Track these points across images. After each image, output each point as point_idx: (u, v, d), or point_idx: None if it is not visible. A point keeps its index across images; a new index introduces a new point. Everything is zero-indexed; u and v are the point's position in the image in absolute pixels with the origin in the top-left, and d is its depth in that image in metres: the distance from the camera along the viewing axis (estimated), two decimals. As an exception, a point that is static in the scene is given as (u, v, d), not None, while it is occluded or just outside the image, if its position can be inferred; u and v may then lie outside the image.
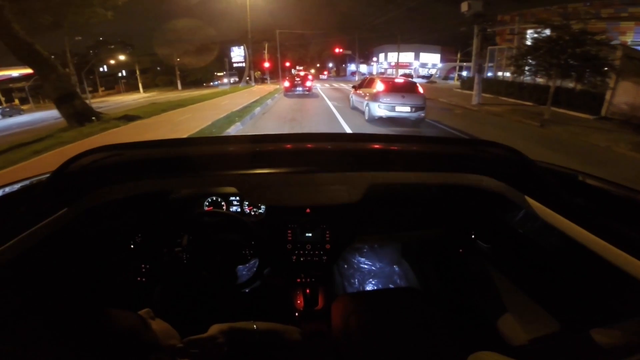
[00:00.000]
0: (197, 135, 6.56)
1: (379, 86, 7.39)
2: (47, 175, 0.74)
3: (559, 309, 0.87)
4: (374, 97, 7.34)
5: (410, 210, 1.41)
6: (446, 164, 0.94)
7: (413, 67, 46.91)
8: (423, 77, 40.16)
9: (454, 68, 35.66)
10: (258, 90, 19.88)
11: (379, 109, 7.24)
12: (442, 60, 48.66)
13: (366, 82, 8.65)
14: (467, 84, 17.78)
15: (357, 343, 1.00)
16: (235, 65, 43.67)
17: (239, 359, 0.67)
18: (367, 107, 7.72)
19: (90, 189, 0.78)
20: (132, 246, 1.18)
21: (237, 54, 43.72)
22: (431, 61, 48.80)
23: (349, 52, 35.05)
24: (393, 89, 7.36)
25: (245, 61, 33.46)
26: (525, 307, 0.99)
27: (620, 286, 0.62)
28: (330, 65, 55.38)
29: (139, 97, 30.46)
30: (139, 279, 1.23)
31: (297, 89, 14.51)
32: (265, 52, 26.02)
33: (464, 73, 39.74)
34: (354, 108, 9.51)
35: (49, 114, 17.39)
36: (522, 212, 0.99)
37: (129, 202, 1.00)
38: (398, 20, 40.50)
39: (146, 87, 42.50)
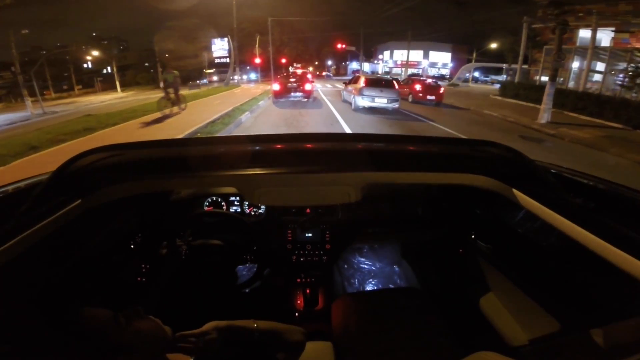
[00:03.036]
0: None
1: (362, 82, 9.20)
2: (46, 175, 0.75)
3: (558, 309, 0.88)
4: (359, 91, 9.08)
5: (410, 210, 1.44)
6: (446, 164, 0.94)
7: (422, 67, 43.38)
8: (433, 77, 36.58)
9: (471, 70, 31.76)
10: (242, 93, 15.99)
11: (362, 100, 9.03)
12: (453, 59, 45.25)
13: (354, 79, 10.42)
14: (510, 90, 14.07)
15: (357, 343, 1.02)
16: (217, 61, 37.45)
17: (235, 357, 0.67)
18: (353, 99, 9.55)
19: (90, 189, 0.78)
20: (132, 246, 1.18)
21: (220, 47, 36.94)
22: (441, 60, 45.36)
23: (352, 48, 31.03)
24: (373, 84, 9.16)
25: (229, 56, 28.24)
26: (525, 307, 0.99)
27: (620, 286, 0.61)
28: (330, 63, 51.61)
29: (111, 97, 26.67)
30: (139, 279, 1.22)
31: (292, 93, 10.55)
32: (257, 46, 21.85)
33: (476, 74, 36.45)
34: (345, 101, 11.05)
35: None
36: (521, 212, 0.99)
37: (129, 203, 0.99)
38: (407, 15, 37.05)
39: (127, 85, 38.88)
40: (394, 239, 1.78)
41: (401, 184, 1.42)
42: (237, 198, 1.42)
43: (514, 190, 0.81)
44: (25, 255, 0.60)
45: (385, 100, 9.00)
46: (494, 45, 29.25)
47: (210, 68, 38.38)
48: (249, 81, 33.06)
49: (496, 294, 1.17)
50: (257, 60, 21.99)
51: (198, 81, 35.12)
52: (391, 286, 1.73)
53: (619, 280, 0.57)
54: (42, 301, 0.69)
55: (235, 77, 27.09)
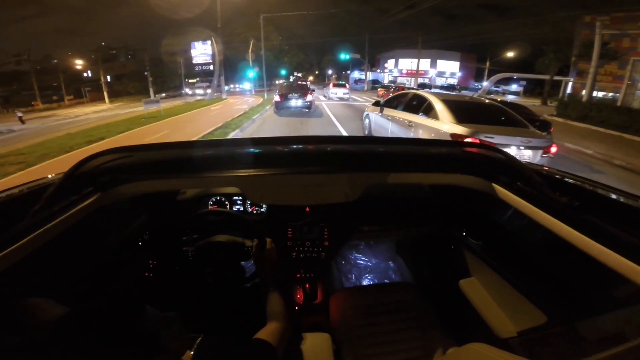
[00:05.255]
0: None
1: (331, 85, 18.54)
2: (59, 176, 0.79)
3: (545, 302, 0.90)
4: (328, 89, 17.88)
5: (404, 209, 1.47)
6: (439, 165, 0.98)
7: (429, 76, 40.81)
8: (442, 87, 34.43)
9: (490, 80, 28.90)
10: (219, 112, 12.45)
11: (330, 94, 17.33)
12: (461, 68, 42.79)
13: (329, 83, 21.30)
14: (575, 110, 10.42)
15: (353, 334, 1.06)
16: (198, 68, 31.33)
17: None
18: (326, 93, 18.20)
19: (100, 189, 0.82)
20: (140, 243, 1.22)
21: (201, 52, 30.61)
22: (449, 69, 42.64)
23: (357, 55, 28.46)
24: (336, 85, 18.05)
25: (213, 62, 22.72)
26: (514, 300, 1.01)
27: (603, 280, 0.64)
28: (330, 72, 49.19)
29: (93, 110, 24.01)
30: (146, 274, 1.26)
31: (293, 104, 10.36)
32: (250, 51, 18.80)
33: (485, 84, 33.81)
34: (324, 96, 18.31)
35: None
36: (510, 211, 1.00)
37: (139, 202, 1.05)
38: (412, 22, 34.72)
39: (119, 95, 36.61)
40: (389, 237, 1.76)
41: (396, 185, 1.46)
42: (240, 198, 1.45)
43: (503, 190, 0.86)
44: (35, 253, 0.62)
45: (342, 93, 17.11)
46: (510, 54, 26.67)
47: (194, 77, 33.53)
48: (242, 92, 28.50)
49: (486, 288, 1.18)
50: (250, 72, 18.88)
51: (188, 91, 31.12)
52: (386, 281, 1.76)
53: (602, 274, 0.60)
54: (61, 294, 0.70)
55: (222, 87, 22.43)
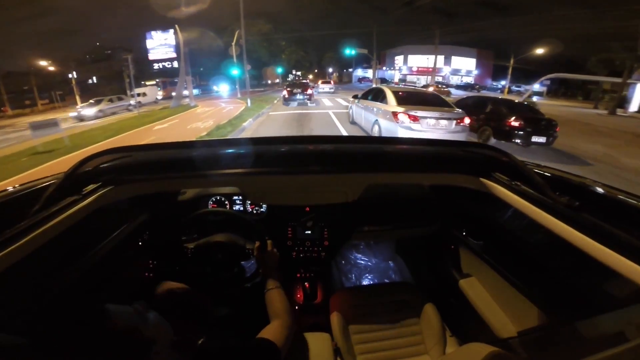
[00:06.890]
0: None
1: (319, 82, 24.05)
2: (58, 175, 0.81)
3: (545, 302, 0.92)
4: (317, 86, 23.48)
5: (404, 209, 1.51)
6: (438, 164, 0.99)
7: (443, 74, 37.01)
8: (458, 87, 30.60)
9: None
10: (174, 131, 8.57)
11: (319, 90, 22.27)
12: (478, 66, 38.87)
13: (318, 81, 26.20)
14: None
15: (354, 335, 1.10)
16: (156, 65, 23.50)
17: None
18: (317, 89, 22.15)
19: (100, 189, 0.84)
20: (140, 243, 1.27)
21: (160, 42, 22.67)
22: (465, 67, 39.68)
23: (364, 51, 24.34)
24: (323, 82, 23.66)
25: (178, 58, 16.55)
26: (514, 300, 1.04)
27: (604, 280, 0.65)
28: (330, 70, 45.10)
29: (54, 118, 19.61)
30: (146, 274, 1.30)
31: (297, 96, 13.89)
32: (233, 43, 14.49)
33: (503, 82, 29.69)
34: (317, 92, 21.17)
35: None
36: (510, 211, 1.03)
37: (138, 202, 1.06)
38: (425, 14, 30.60)
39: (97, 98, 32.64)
40: (389, 236, 1.83)
41: (396, 185, 1.52)
42: (240, 197, 1.48)
43: (504, 190, 0.87)
44: (31, 255, 0.63)
45: (327, 89, 21.87)
46: (540, 51, 22.73)
47: (153, 78, 24.69)
48: (219, 97, 22.58)
49: (486, 288, 1.21)
50: (234, 70, 14.45)
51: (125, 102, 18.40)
52: (386, 281, 1.81)
53: (602, 274, 0.60)
54: (63, 294, 0.73)
55: (189, 90, 17.00)
